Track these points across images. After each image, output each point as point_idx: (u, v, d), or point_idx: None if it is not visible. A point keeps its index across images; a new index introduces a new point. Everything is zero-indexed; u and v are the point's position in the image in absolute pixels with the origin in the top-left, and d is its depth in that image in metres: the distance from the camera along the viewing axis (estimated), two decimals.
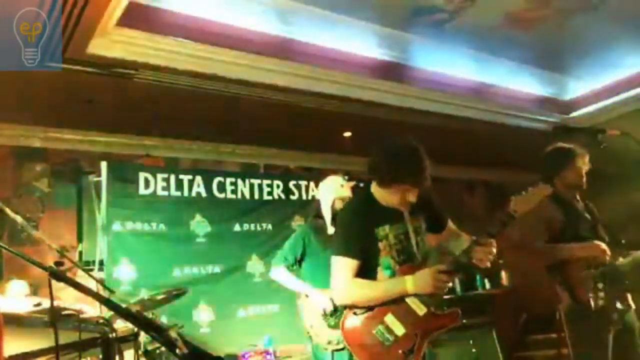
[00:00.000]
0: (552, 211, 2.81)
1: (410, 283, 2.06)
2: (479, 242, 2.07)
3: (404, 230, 2.20)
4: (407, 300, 2.09)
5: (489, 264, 2.07)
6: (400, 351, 2.03)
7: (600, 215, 3.00)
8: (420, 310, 2.09)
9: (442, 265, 2.10)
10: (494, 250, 2.07)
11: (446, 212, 2.43)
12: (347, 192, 3.37)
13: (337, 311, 3.15)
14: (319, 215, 3.42)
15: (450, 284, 2.33)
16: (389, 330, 2.06)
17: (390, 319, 2.07)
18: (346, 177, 3.50)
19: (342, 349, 3.11)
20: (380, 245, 2.15)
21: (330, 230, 3.35)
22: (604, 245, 2.71)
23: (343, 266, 2.13)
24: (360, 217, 2.22)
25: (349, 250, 2.14)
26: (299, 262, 3.37)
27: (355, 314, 2.14)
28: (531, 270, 2.99)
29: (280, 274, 3.37)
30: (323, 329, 3.16)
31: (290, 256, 3.36)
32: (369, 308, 2.11)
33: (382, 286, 2.12)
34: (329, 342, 3.12)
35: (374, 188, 2.25)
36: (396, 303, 2.08)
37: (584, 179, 2.92)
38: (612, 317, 2.69)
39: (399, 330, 2.06)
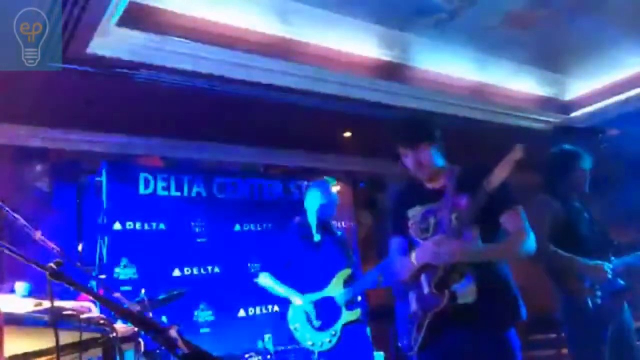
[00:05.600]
0: (554, 210, 2.81)
1: (412, 256, 2.24)
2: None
3: (436, 208, 2.27)
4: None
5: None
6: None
7: (597, 216, 2.99)
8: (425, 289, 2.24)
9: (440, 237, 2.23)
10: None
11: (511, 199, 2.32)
12: (333, 198, 3.45)
13: (320, 316, 3.17)
14: (302, 221, 3.45)
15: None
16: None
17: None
18: (333, 181, 3.53)
19: (327, 350, 3.13)
20: (409, 223, 2.34)
21: (316, 237, 3.37)
22: (606, 268, 2.69)
23: (392, 244, 2.45)
24: (396, 202, 2.51)
25: (392, 229, 2.45)
26: (286, 266, 3.40)
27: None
28: (531, 269, 2.98)
29: (265, 280, 3.42)
30: (307, 331, 3.19)
31: (276, 263, 3.42)
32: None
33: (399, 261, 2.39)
34: (313, 344, 3.15)
35: None
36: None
37: (587, 181, 2.91)
38: (608, 316, 2.69)
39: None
